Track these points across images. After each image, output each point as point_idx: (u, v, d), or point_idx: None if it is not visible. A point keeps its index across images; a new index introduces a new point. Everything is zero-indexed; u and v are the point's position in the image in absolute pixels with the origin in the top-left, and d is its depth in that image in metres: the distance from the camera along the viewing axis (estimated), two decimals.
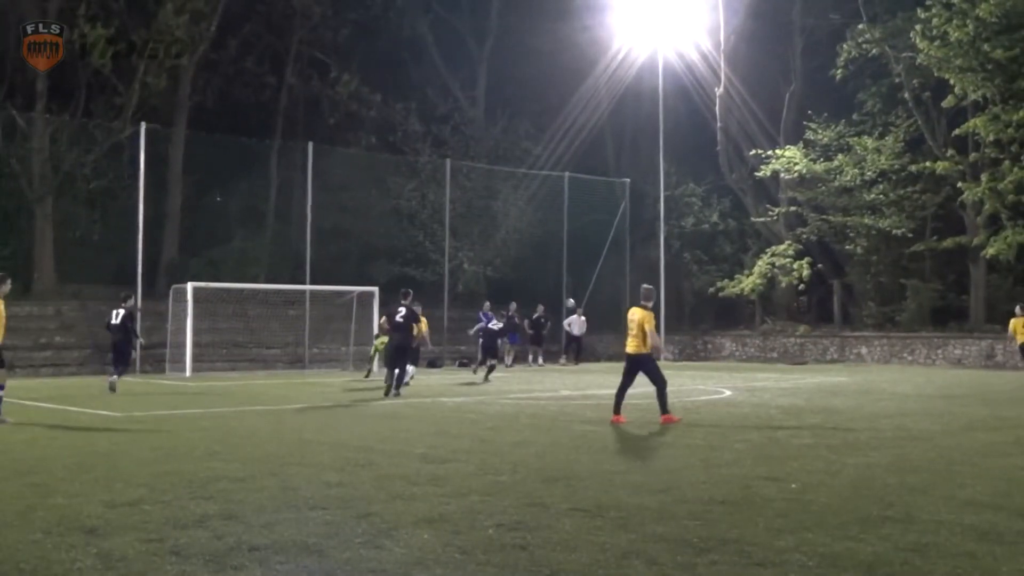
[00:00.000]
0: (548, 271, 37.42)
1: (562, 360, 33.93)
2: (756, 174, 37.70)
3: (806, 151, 36.62)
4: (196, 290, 26.87)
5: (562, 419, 14.50)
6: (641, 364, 13.70)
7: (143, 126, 28.30)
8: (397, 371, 18.76)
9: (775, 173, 36.95)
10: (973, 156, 33.11)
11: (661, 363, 14.25)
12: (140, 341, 23.67)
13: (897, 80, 34.57)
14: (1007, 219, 31.65)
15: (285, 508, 7.42)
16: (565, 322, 34.61)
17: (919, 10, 31.42)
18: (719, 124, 39.29)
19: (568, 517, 7.11)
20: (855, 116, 36.91)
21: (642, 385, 13.83)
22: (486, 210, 37.64)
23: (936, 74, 32.13)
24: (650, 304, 13.97)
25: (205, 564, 5.75)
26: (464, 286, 36.33)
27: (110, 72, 29.11)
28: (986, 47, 30.31)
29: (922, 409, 16.20)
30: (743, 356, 36.78)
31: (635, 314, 13.71)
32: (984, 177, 31.74)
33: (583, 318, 34.42)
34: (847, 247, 36.39)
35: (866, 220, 35.28)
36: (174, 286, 27.85)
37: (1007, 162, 31.38)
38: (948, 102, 32.62)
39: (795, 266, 36.40)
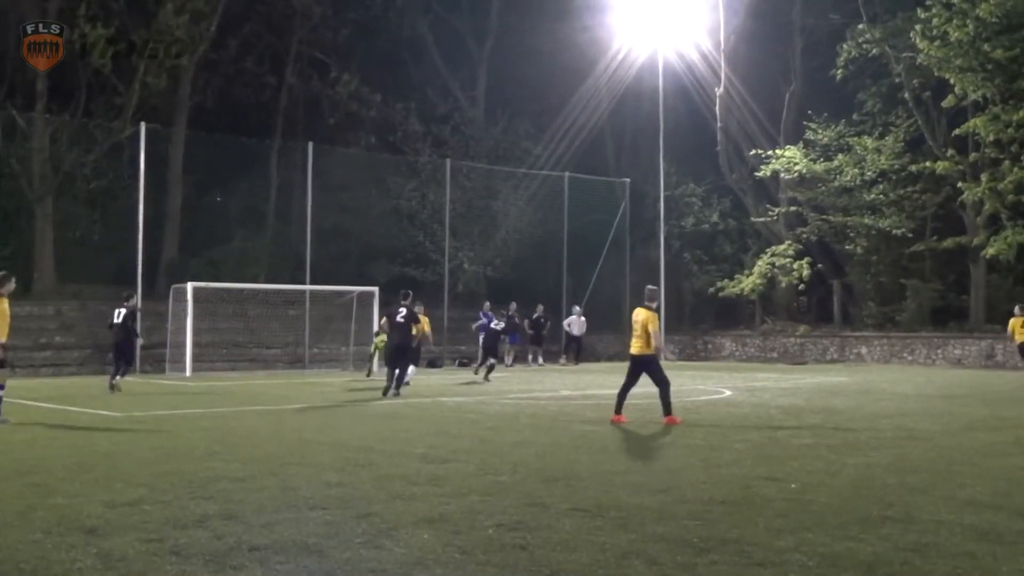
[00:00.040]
0: (548, 271, 37.42)
1: (562, 360, 33.92)
2: (756, 174, 37.71)
3: (806, 151, 36.63)
4: (196, 290, 26.86)
5: (562, 419, 14.50)
6: (645, 365, 13.68)
7: (143, 126, 28.29)
8: (397, 371, 18.78)
9: (775, 173, 36.95)
10: (973, 156, 33.12)
11: (661, 363, 14.23)
12: (140, 341, 23.65)
13: (897, 80, 34.58)
14: (1007, 219, 31.66)
15: (285, 508, 7.42)
16: (565, 322, 34.61)
17: (919, 10, 31.43)
18: (719, 124, 39.29)
19: (568, 517, 7.10)
20: (855, 116, 36.93)
21: (643, 385, 13.84)
22: (486, 210, 37.64)
23: (936, 74, 32.14)
24: (654, 305, 13.95)
25: (205, 564, 5.75)
26: (464, 286, 36.33)
27: (110, 72, 29.11)
28: (986, 47, 30.32)
29: (922, 409, 16.20)
30: (743, 356, 36.79)
31: (639, 315, 13.70)
32: (984, 177, 31.75)
33: (583, 318, 34.42)
34: (847, 247, 36.40)
35: (866, 220, 35.29)
36: (174, 286, 27.84)
37: (1007, 162, 31.39)
38: (948, 102, 32.63)
39: (795, 266, 36.41)
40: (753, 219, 38.93)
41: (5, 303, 13.45)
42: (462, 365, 31.40)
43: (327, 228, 33.66)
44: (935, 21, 30.79)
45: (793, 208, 37.76)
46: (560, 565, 5.78)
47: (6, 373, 13.94)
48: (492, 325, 26.03)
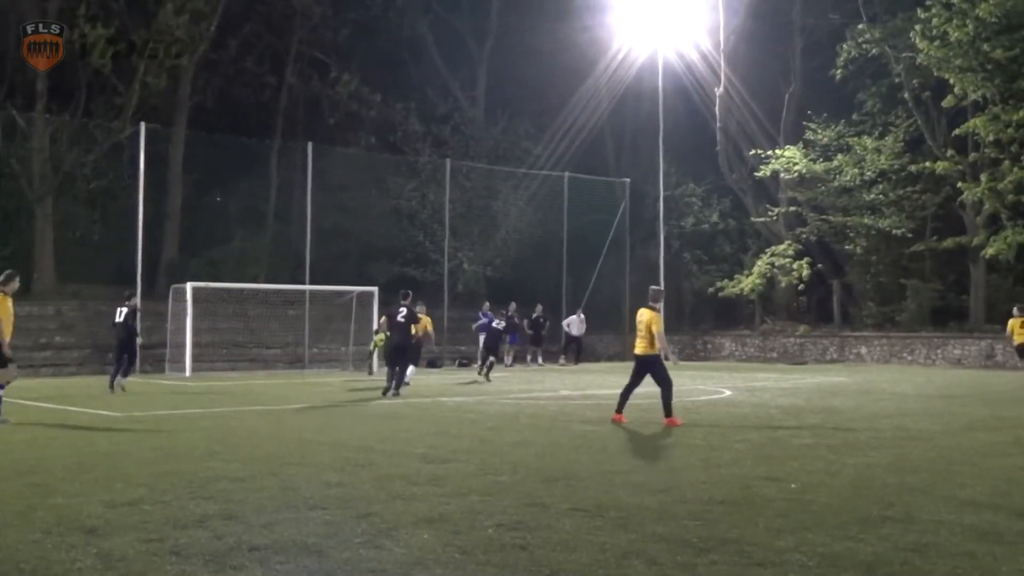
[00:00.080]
0: (548, 271, 37.41)
1: (561, 360, 33.92)
2: (756, 174, 37.72)
3: (806, 151, 36.64)
4: (196, 290, 26.84)
5: (562, 419, 14.50)
6: (649, 365, 13.69)
7: (143, 126, 28.28)
8: (397, 370, 18.79)
9: (775, 173, 36.96)
10: (973, 156, 33.12)
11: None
12: (139, 340, 23.63)
13: (897, 80, 34.59)
14: (1007, 219, 31.66)
15: (285, 508, 7.42)
16: (564, 322, 34.62)
17: (919, 10, 31.43)
18: (719, 124, 39.30)
19: (568, 517, 7.10)
20: (855, 116, 36.93)
21: (644, 385, 13.85)
22: (486, 210, 37.65)
23: (936, 74, 32.14)
24: (658, 305, 13.97)
25: (205, 564, 5.75)
26: (464, 286, 36.34)
27: (110, 72, 29.11)
28: (986, 47, 30.32)
29: (922, 409, 16.21)
30: (743, 356, 36.80)
31: (643, 315, 13.71)
32: (984, 177, 31.75)
33: (583, 318, 34.42)
34: (847, 247, 36.41)
35: (866, 220, 35.29)
36: (174, 286, 27.83)
37: (1007, 162, 31.39)
38: (948, 102, 32.63)
39: (795, 266, 36.42)
40: (753, 219, 38.94)
41: (9, 302, 13.47)
42: (462, 365, 31.39)
43: (327, 228, 33.67)
44: (935, 21, 30.80)
45: (793, 208, 37.77)
46: (560, 565, 5.78)
47: (14, 370, 13.94)
48: (494, 324, 26.03)
